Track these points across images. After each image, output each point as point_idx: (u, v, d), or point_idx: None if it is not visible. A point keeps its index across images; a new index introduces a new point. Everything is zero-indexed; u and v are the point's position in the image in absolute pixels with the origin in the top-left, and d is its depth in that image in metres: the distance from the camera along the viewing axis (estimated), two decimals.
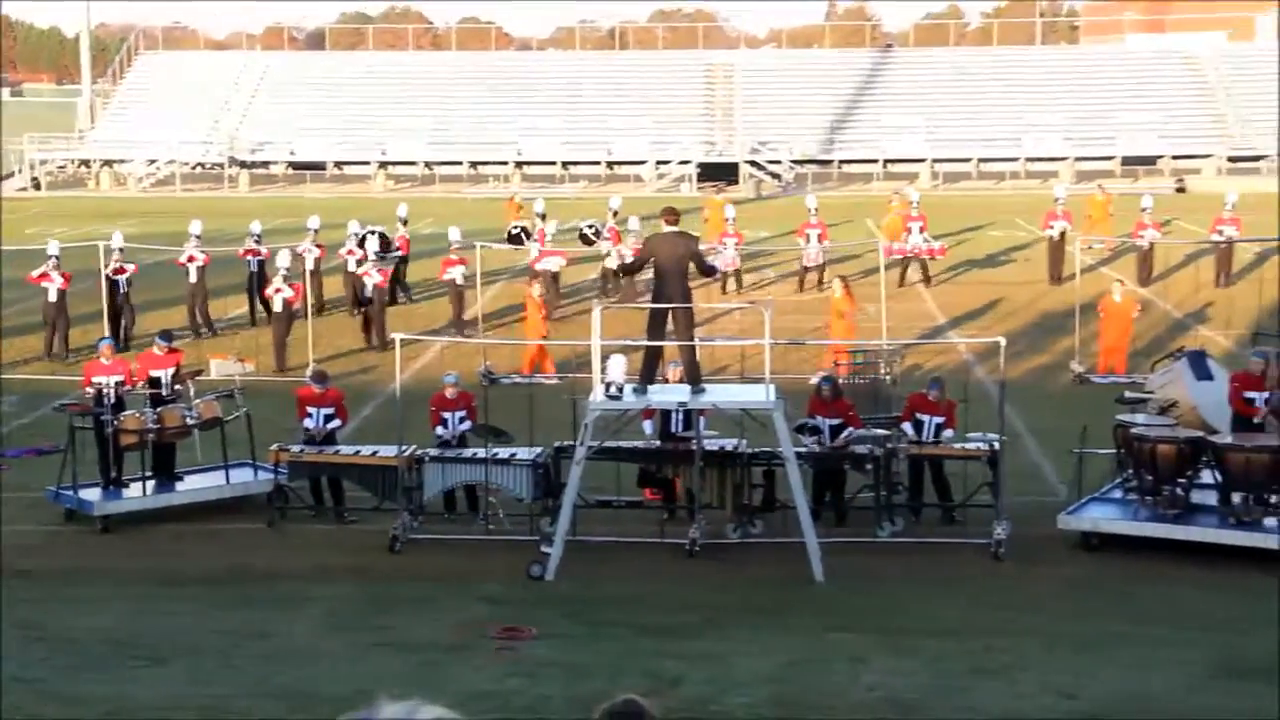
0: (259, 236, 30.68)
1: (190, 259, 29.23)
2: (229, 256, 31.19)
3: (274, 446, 17.96)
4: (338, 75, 69.76)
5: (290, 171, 64.63)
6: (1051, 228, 34.04)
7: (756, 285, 34.15)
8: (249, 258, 30.28)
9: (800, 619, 14.43)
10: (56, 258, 27.27)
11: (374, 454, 17.73)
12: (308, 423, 18.26)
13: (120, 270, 27.83)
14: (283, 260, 27.50)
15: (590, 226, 34.05)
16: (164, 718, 11.86)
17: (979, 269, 36.74)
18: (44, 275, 27.13)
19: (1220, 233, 33.08)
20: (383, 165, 63.67)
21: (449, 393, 18.09)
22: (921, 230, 34.28)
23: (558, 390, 22.23)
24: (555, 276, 31.64)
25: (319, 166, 64.07)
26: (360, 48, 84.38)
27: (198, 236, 30.05)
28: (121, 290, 27.87)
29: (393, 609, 14.89)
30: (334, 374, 24.96)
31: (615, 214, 34.38)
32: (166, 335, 20.32)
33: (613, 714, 4.29)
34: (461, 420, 17.94)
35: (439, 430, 17.87)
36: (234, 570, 16.13)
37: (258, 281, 29.88)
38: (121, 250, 28.22)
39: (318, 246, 30.95)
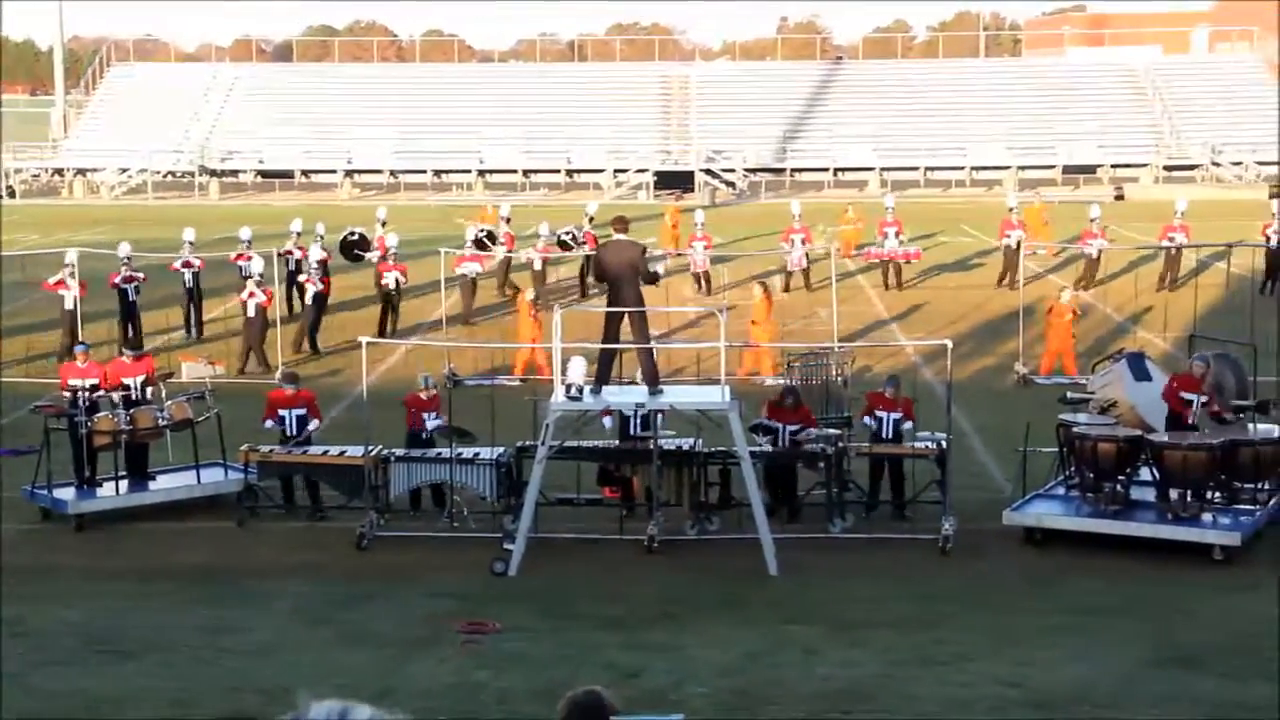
0: (249, 242, 30.42)
1: (186, 264, 28.99)
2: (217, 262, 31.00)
3: (244, 447, 17.88)
4: (305, 86, 69.53)
5: (259, 179, 64.36)
6: (1008, 236, 33.97)
7: (731, 286, 34.20)
8: (241, 262, 29.91)
9: (756, 612, 14.45)
10: (73, 265, 26.88)
11: (341, 454, 17.67)
12: (270, 423, 18.18)
13: (130, 279, 27.59)
14: (256, 266, 27.42)
15: (568, 233, 34.28)
16: (138, 711, 11.81)
17: (929, 275, 36.81)
18: (60, 283, 26.74)
19: (1171, 239, 33.17)
20: (349, 173, 63.48)
21: (424, 394, 18.08)
22: (898, 235, 34.54)
23: (519, 391, 22.21)
24: (542, 276, 32.19)
25: (287, 174, 63.82)
26: (327, 59, 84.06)
27: (190, 243, 29.82)
28: (130, 298, 27.58)
29: (360, 604, 14.84)
30: (305, 376, 24.97)
31: (591, 219, 34.75)
32: (132, 345, 20.20)
33: (575, 704, 4.29)
34: (434, 419, 17.94)
35: (424, 426, 17.83)
36: (205, 567, 16.05)
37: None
38: (129, 259, 27.95)
39: (299, 249, 30.91)
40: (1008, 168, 61.39)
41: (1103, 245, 33.49)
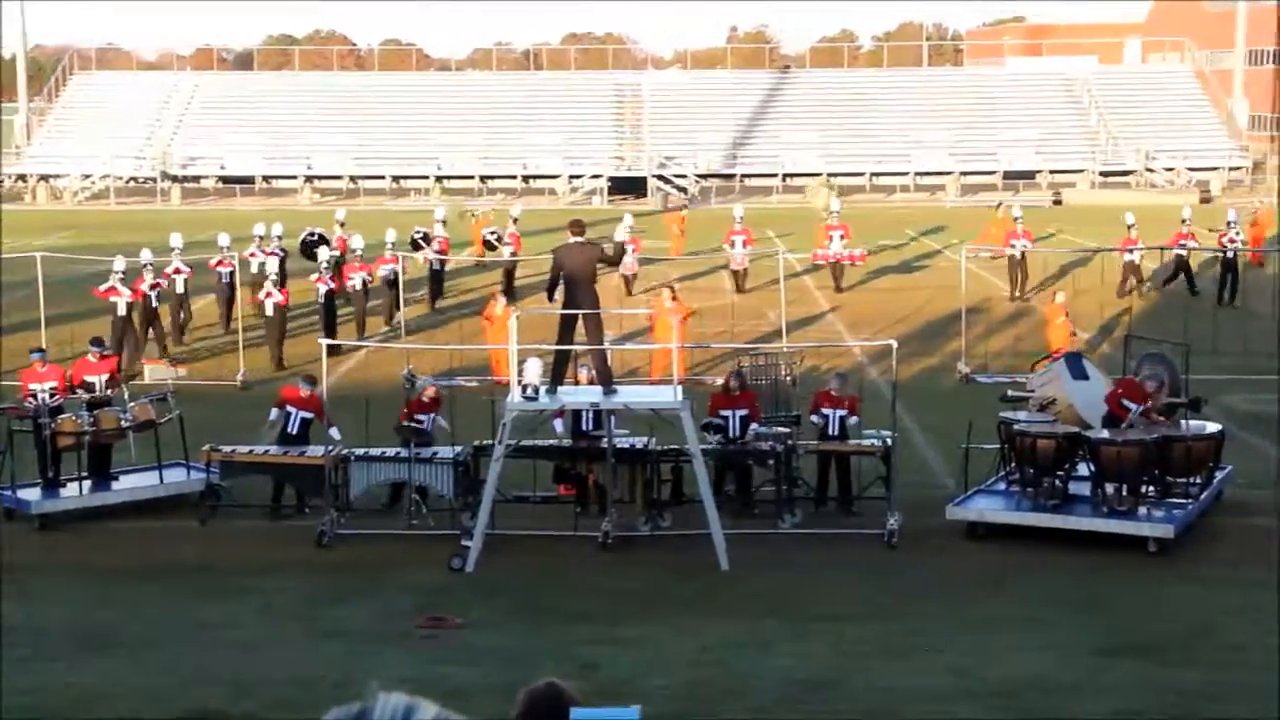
0: (228, 247, 30.20)
1: (177, 270, 28.73)
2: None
3: (206, 447, 17.78)
4: (265, 94, 69.14)
5: (220, 185, 63.94)
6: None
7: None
8: (220, 269, 29.67)
9: (709, 606, 14.48)
10: (124, 272, 26.51)
11: (301, 454, 17.60)
12: (275, 413, 18.03)
13: (156, 285, 27.30)
14: (272, 265, 27.57)
15: (493, 233, 34.49)
16: (108, 707, 11.72)
17: (874, 276, 36.93)
18: (111, 289, 26.36)
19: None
20: (309, 179, 63.16)
21: (428, 394, 18.01)
22: (843, 238, 34.72)
23: (477, 392, 22.17)
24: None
25: (248, 180, 63.43)
26: (287, 68, 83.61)
27: (178, 249, 29.55)
28: (154, 304, 27.17)
29: (322, 601, 14.79)
30: (266, 378, 24.87)
31: (516, 220, 35.17)
32: (98, 342, 20.04)
33: (534, 697, 4.28)
34: (433, 420, 17.81)
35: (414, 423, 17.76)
36: (168, 566, 15.96)
37: (229, 290, 29.40)
38: (149, 265, 27.57)
39: (265, 252, 30.79)
40: (950, 173, 61.67)
41: (1026, 246, 33.39)
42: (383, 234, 31.62)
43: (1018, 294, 32.88)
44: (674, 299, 25.12)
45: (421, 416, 17.75)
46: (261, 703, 11.83)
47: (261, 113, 66.53)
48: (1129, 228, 32.81)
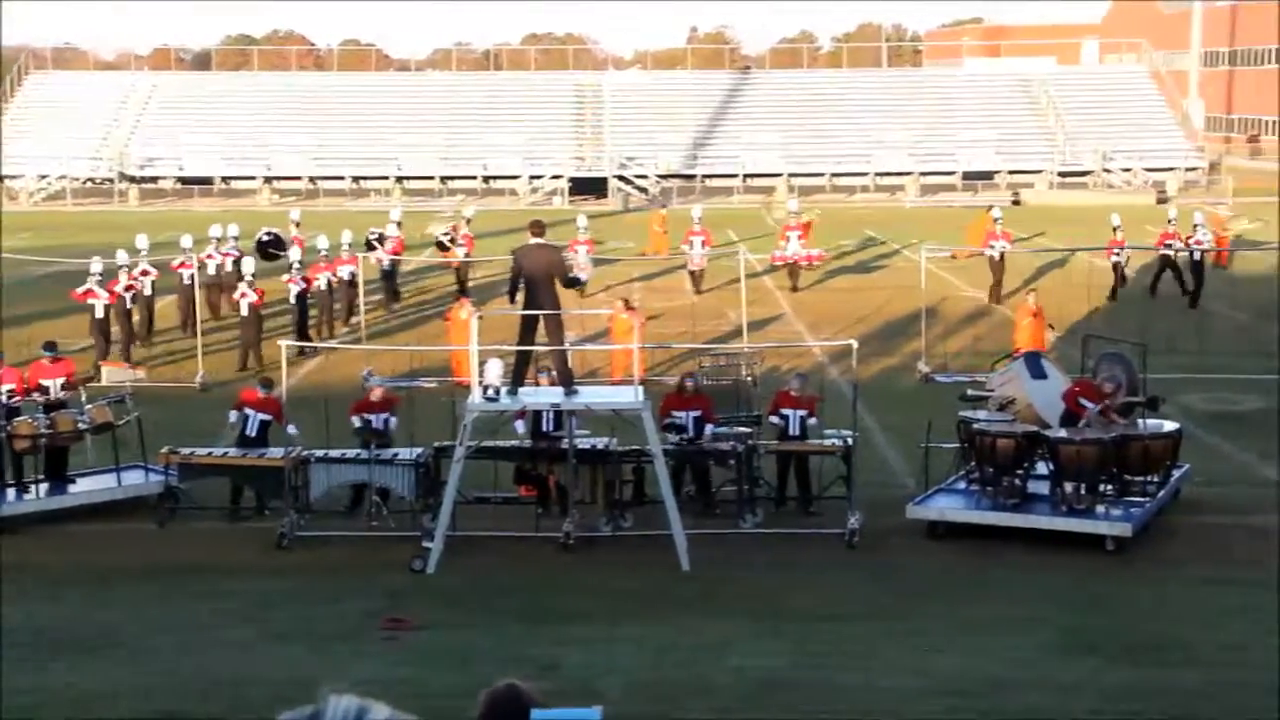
0: (190, 249, 30.00)
1: (144, 273, 28.53)
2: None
3: (164, 449, 17.68)
4: (224, 94, 68.74)
5: (179, 186, 63.56)
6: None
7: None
8: (182, 270, 29.49)
9: (670, 606, 14.48)
10: (99, 274, 26.41)
11: (261, 456, 17.51)
12: (233, 414, 17.98)
13: (130, 286, 27.03)
14: (248, 265, 27.48)
15: (445, 234, 34.47)
16: (68, 709, 11.64)
17: (833, 276, 37.04)
18: (89, 292, 26.21)
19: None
20: (268, 180, 62.87)
21: (374, 395, 17.94)
22: (800, 239, 34.82)
23: (437, 393, 22.12)
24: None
25: (206, 181, 63.08)
26: (245, 68, 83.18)
27: (144, 250, 29.32)
28: (127, 305, 27.01)
29: (281, 603, 14.73)
30: (225, 380, 24.74)
31: (468, 221, 35.13)
32: (51, 346, 19.89)
33: (495, 698, 4.27)
34: (386, 421, 17.76)
35: (356, 422, 17.69)
36: (127, 568, 15.85)
37: (191, 291, 29.24)
38: (124, 267, 27.32)
39: (222, 254, 30.68)
40: (910, 174, 61.90)
41: (1004, 247, 33.33)
42: (340, 235, 31.51)
43: (995, 296, 32.41)
44: (628, 310, 25.09)
45: (370, 416, 17.69)
46: (219, 705, 11.76)
47: (220, 113, 66.16)
48: (1115, 229, 32.77)
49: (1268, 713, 11.67)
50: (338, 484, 17.38)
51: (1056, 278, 34.51)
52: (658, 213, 41.37)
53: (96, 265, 26.63)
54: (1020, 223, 47.20)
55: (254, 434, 17.85)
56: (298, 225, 34.15)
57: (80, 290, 26.35)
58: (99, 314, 26.19)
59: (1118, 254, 32.66)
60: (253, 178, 63.03)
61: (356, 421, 17.72)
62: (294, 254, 28.86)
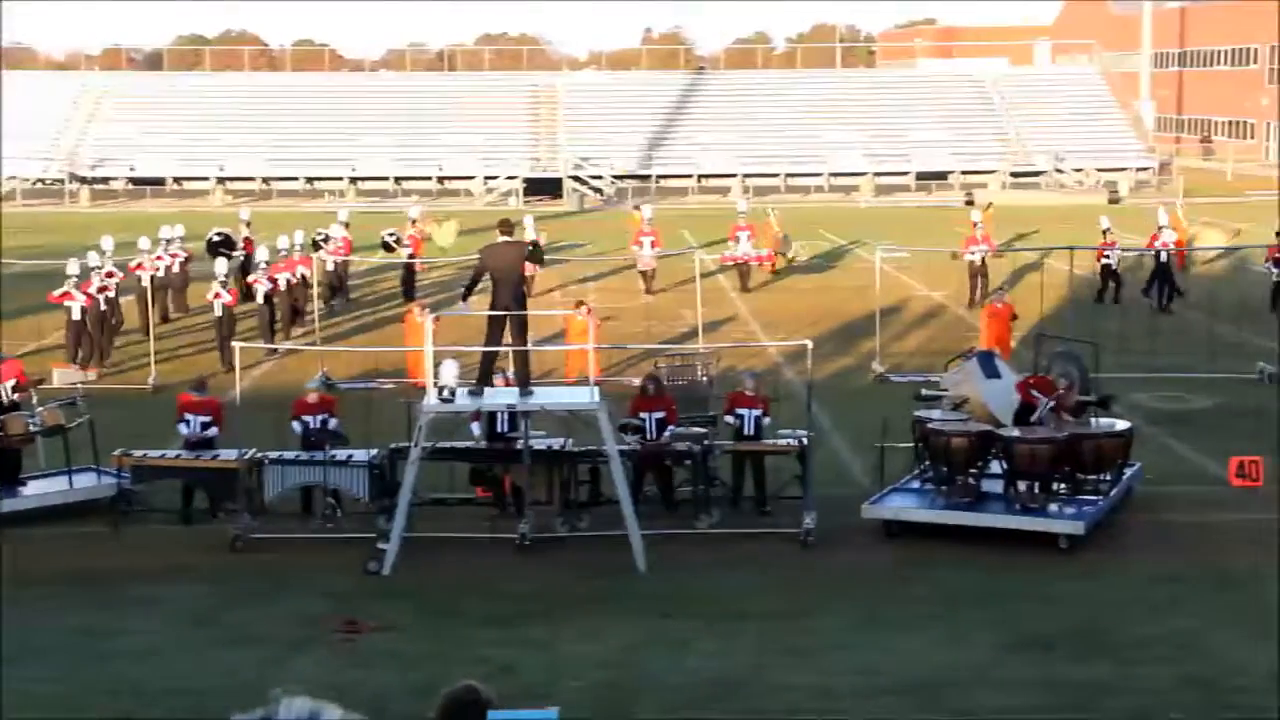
0: (147, 250, 29.76)
1: (109, 274, 28.24)
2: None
3: (117, 451, 17.55)
4: (176, 94, 68.31)
5: (131, 186, 63.13)
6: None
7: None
8: (139, 272, 29.24)
9: (626, 607, 14.49)
10: (76, 276, 26.16)
11: (215, 458, 17.42)
12: (183, 428, 17.89)
13: (104, 288, 26.76)
14: (220, 267, 27.30)
15: (391, 235, 34.42)
16: (18, 716, 11.54)
17: (791, 276, 37.12)
18: (66, 294, 25.97)
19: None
20: (221, 180, 62.52)
21: (311, 398, 17.86)
22: (750, 239, 34.91)
23: (393, 394, 22.05)
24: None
25: (159, 181, 62.67)
26: (198, 68, 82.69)
27: (108, 252, 29.00)
28: (101, 307, 26.64)
29: (235, 606, 14.64)
30: (175, 383, 24.56)
31: (414, 222, 35.08)
32: None
33: (453, 699, 4.28)
34: (324, 422, 17.70)
35: (295, 426, 17.62)
36: (80, 572, 15.71)
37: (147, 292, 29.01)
38: (96, 269, 27.02)
39: (170, 255, 30.52)
40: (864, 174, 62.14)
41: (984, 250, 32.77)
42: (293, 235, 31.35)
43: (973, 301, 31.42)
44: (587, 312, 25.06)
45: (308, 418, 17.63)
46: (171, 710, 11.71)
47: (172, 113, 65.76)
48: (1104, 232, 32.60)
49: (1217, 707, 11.79)
50: (292, 486, 17.30)
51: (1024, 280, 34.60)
52: (634, 215, 41.35)
53: (73, 267, 26.47)
54: (964, 223, 47.42)
55: (196, 437, 17.77)
56: (248, 225, 34.03)
57: (58, 293, 26.20)
58: (75, 316, 26.00)
59: (1109, 256, 32.19)
60: (206, 178, 62.68)
61: (296, 426, 17.65)
62: (261, 254, 28.70)
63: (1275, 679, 12.23)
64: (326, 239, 33.23)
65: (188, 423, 17.86)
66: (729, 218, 37.81)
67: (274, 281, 28.11)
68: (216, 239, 32.47)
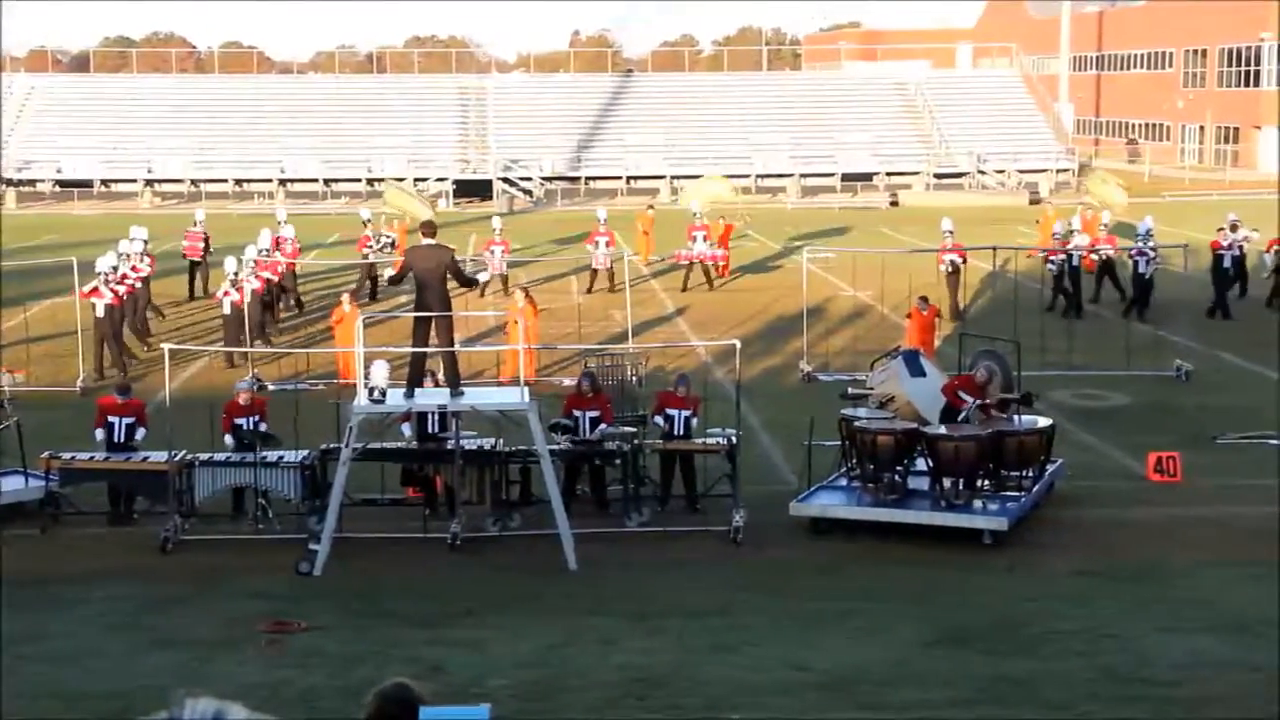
0: (142, 253, 29.40)
1: (134, 269, 27.96)
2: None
3: (45, 454, 17.35)
4: (102, 96, 67.56)
5: (57, 189, 62.34)
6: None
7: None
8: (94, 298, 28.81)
9: (556, 605, 14.48)
10: (106, 273, 25.87)
11: (144, 460, 17.25)
12: (99, 433, 17.68)
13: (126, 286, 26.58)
14: (230, 265, 27.20)
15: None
16: None
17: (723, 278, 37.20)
18: (94, 290, 25.67)
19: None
20: (149, 183, 61.89)
21: (242, 399, 17.72)
22: (705, 239, 35.36)
23: (323, 395, 21.92)
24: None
25: (86, 184, 61.94)
26: (124, 70, 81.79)
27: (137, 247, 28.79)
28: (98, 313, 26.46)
29: (164, 608, 14.50)
30: (104, 386, 24.28)
31: (366, 224, 34.90)
32: None
33: (384, 697, 4.26)
34: (256, 424, 17.56)
35: (228, 438, 17.47)
36: (7, 575, 15.49)
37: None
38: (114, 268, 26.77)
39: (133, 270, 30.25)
40: (790, 175, 62.41)
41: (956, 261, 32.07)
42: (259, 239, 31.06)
43: (955, 312, 30.07)
44: (529, 301, 25.10)
45: (239, 420, 17.50)
46: (94, 712, 11.57)
47: (99, 115, 65.04)
48: (1070, 233, 32.77)
49: (1129, 698, 11.95)
50: (223, 487, 17.17)
51: (931, 276, 34.86)
52: (645, 214, 41.28)
53: (102, 264, 26.18)
54: (899, 223, 47.81)
55: (121, 439, 17.59)
56: (198, 223, 34.05)
57: (87, 289, 25.92)
58: (99, 313, 25.73)
59: (1052, 262, 31.21)
60: (133, 180, 62.04)
61: (228, 430, 17.49)
62: (249, 252, 28.40)
63: (1183, 670, 12.44)
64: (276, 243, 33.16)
65: (110, 426, 17.65)
66: (676, 220, 37.89)
67: (262, 281, 27.94)
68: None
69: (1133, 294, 30.88)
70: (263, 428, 17.47)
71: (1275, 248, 31.93)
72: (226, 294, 26.65)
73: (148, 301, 29.50)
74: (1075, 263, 31.38)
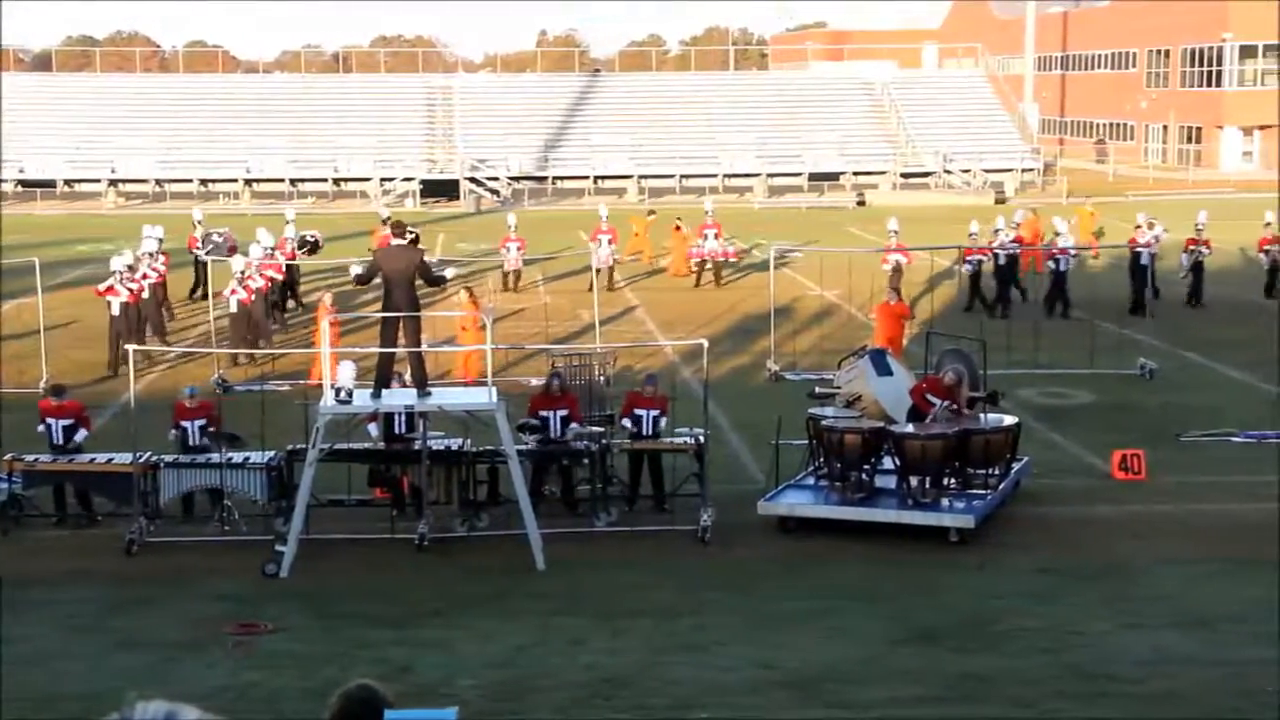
0: (153, 253, 29.20)
1: (153, 268, 27.79)
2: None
3: (8, 456, 17.24)
4: (66, 96, 67.11)
5: (19, 189, 61.92)
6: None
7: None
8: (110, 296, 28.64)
9: (524, 605, 14.47)
10: (122, 271, 25.74)
11: (109, 461, 17.15)
12: (42, 429, 17.59)
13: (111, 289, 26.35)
14: (238, 264, 27.16)
15: (311, 235, 34.18)
16: None
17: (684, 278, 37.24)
18: (110, 289, 25.55)
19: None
20: (113, 183, 61.53)
21: (188, 403, 17.64)
22: (717, 236, 35.30)
23: (290, 396, 21.84)
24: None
25: (49, 184, 61.54)
26: (88, 69, 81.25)
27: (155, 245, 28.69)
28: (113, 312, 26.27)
29: (130, 610, 14.43)
30: (75, 384, 24.12)
31: (197, 224, 34.39)
32: None
33: (348, 698, 4.24)
34: (202, 428, 17.47)
35: (173, 434, 17.41)
36: None
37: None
38: (130, 266, 26.61)
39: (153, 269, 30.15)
40: (757, 175, 62.49)
41: (901, 260, 32.27)
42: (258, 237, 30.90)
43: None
44: (470, 300, 24.97)
45: (185, 424, 17.41)
46: (58, 713, 11.51)
47: (62, 115, 64.62)
48: (1056, 235, 32.82)
49: (1093, 694, 12.01)
50: (189, 489, 17.09)
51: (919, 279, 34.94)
52: (642, 218, 41.23)
53: (116, 262, 26.08)
54: (869, 222, 47.91)
55: (61, 441, 17.50)
56: (196, 225, 33.94)
57: (103, 286, 25.82)
58: (115, 311, 25.61)
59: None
60: (97, 180, 61.67)
61: (173, 430, 17.44)
62: (255, 251, 28.24)
63: (1148, 666, 12.52)
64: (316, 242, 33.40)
65: (50, 427, 17.57)
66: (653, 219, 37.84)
67: (268, 279, 27.83)
68: (310, 239, 32.93)
69: (1047, 290, 31.35)
70: (210, 430, 17.36)
71: (1191, 248, 32.06)
72: (234, 292, 26.52)
73: (164, 300, 29.50)
74: (1002, 262, 31.59)
